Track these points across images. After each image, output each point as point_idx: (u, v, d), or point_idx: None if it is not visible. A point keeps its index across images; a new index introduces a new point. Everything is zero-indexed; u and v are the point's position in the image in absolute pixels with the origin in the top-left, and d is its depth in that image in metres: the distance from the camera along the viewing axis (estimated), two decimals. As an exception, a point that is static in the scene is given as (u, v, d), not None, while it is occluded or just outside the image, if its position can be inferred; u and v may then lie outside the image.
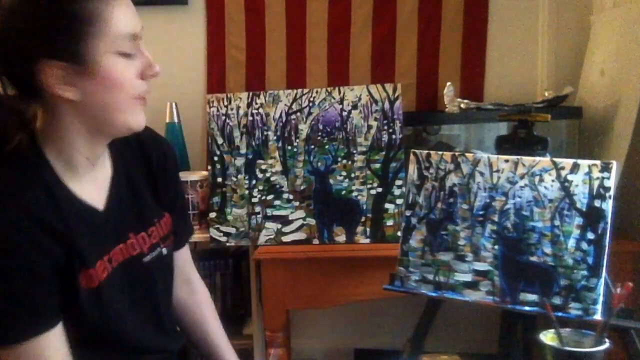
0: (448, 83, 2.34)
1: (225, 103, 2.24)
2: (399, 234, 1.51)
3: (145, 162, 1.19)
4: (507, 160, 1.40)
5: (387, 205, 2.11)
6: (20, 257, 0.96)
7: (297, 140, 2.17)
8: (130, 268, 1.13)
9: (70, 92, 0.98)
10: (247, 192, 2.18)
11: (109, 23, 0.98)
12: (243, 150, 2.20)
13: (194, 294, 1.38)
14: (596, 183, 1.32)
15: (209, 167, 2.28)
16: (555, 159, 1.37)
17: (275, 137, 2.18)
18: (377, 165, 2.12)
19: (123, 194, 1.13)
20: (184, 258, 1.35)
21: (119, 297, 1.11)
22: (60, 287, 1.02)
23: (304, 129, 2.16)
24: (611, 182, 1.31)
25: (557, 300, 1.31)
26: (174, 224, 1.25)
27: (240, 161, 2.20)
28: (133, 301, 1.14)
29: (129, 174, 1.15)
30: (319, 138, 2.15)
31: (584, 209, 1.32)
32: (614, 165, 1.31)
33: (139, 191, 1.17)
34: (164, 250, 1.20)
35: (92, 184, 1.09)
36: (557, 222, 1.34)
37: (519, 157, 1.39)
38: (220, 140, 2.24)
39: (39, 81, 0.97)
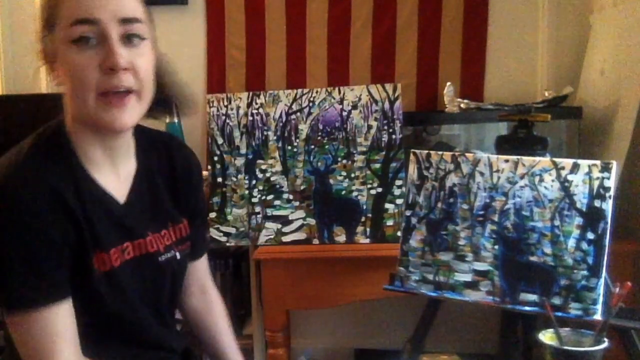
0: (448, 83, 2.34)
1: (225, 103, 2.24)
2: (399, 234, 1.52)
3: (169, 167, 1.21)
4: (507, 160, 1.40)
5: (387, 205, 2.11)
6: (38, 222, 0.98)
7: (297, 140, 2.17)
8: (144, 264, 1.14)
9: (54, 80, 1.03)
10: (247, 192, 2.18)
11: (61, 12, 0.98)
12: (243, 150, 2.20)
13: (210, 304, 1.38)
14: (596, 183, 1.32)
15: (209, 167, 2.28)
16: (555, 159, 1.37)
17: (275, 137, 2.18)
18: (377, 165, 2.12)
19: (144, 192, 1.15)
20: (202, 268, 1.36)
21: (129, 287, 1.11)
22: (72, 264, 1.04)
23: (304, 129, 2.16)
24: (611, 182, 1.31)
25: (557, 300, 1.31)
26: (192, 232, 1.25)
27: (240, 161, 2.20)
28: (141, 294, 1.15)
29: (152, 175, 1.17)
30: (319, 138, 2.15)
31: (584, 209, 1.32)
32: (614, 165, 1.31)
33: (158, 193, 1.18)
34: (178, 255, 1.21)
35: (114, 175, 1.11)
36: (557, 222, 1.34)
37: (519, 157, 1.40)
38: (220, 140, 2.24)
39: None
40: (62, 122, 1.07)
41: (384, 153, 2.12)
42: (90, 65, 0.97)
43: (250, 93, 2.23)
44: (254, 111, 2.20)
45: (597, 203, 1.31)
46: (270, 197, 2.16)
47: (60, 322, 1.00)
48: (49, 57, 1.02)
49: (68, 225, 1.02)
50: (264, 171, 2.17)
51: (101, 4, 0.97)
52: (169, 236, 1.19)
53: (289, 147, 2.17)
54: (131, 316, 1.13)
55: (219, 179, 2.21)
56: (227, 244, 2.22)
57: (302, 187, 2.15)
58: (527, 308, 1.34)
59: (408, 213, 1.49)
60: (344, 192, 2.13)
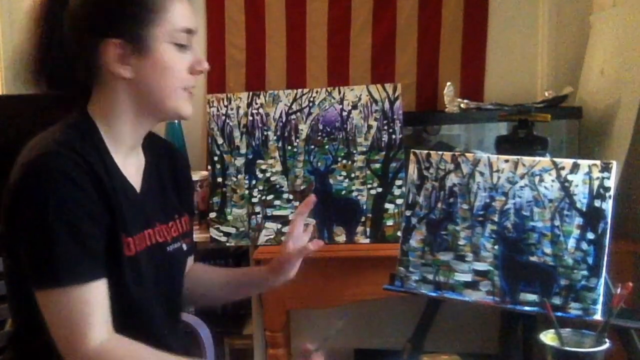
0: (448, 83, 2.34)
1: (225, 103, 2.24)
2: (399, 234, 1.51)
3: (171, 164, 1.29)
4: (507, 160, 1.40)
5: (387, 205, 2.11)
6: (83, 198, 1.02)
7: (297, 140, 2.17)
8: (156, 253, 1.17)
9: (126, 71, 1.08)
10: (247, 192, 2.18)
11: (169, 14, 1.09)
12: (243, 150, 2.20)
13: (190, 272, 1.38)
14: (596, 183, 1.32)
15: (209, 167, 2.28)
16: (555, 159, 1.37)
17: (275, 137, 2.18)
18: (377, 165, 2.12)
19: (153, 184, 1.21)
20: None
21: (146, 274, 1.14)
22: (106, 243, 1.07)
23: (304, 129, 2.16)
24: (611, 182, 1.31)
25: (557, 300, 1.31)
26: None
27: (240, 161, 2.20)
28: (156, 283, 1.17)
29: (159, 169, 1.23)
30: (319, 138, 2.15)
31: (584, 209, 1.32)
32: (614, 165, 1.31)
33: (165, 186, 1.24)
34: (184, 246, 1.26)
35: (132, 165, 1.17)
36: (557, 222, 1.34)
37: (519, 157, 1.39)
38: (220, 140, 2.24)
39: (100, 58, 1.07)
40: (86, 113, 1.12)
41: (384, 153, 2.12)
42: (183, 66, 1.12)
43: (250, 93, 2.23)
44: (254, 111, 2.20)
45: (597, 203, 1.31)
46: (270, 197, 2.16)
47: (97, 299, 1.02)
48: (138, 48, 1.08)
49: (104, 204, 1.06)
50: (264, 171, 2.17)
51: (194, 18, 1.15)
52: (175, 228, 1.24)
53: (289, 147, 2.17)
54: (147, 306, 1.15)
55: (219, 179, 2.21)
56: (227, 244, 2.22)
57: (302, 187, 2.15)
58: (527, 308, 1.34)
59: (408, 213, 1.49)
60: (344, 192, 2.13)
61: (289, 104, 2.17)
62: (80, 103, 1.13)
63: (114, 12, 1.07)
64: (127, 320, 1.09)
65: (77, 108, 1.13)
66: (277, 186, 2.16)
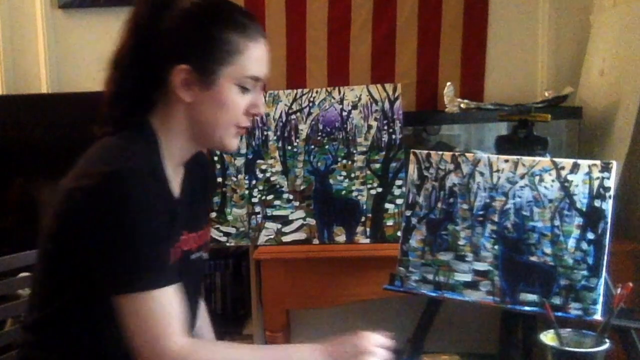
0: (448, 83, 2.33)
1: (225, 103, 2.23)
2: (399, 234, 1.52)
3: (203, 179, 1.33)
4: (507, 160, 1.40)
5: (387, 205, 2.11)
6: (157, 206, 1.07)
7: (297, 140, 2.16)
8: (183, 261, 1.20)
9: (187, 95, 1.13)
10: (247, 192, 2.18)
11: (243, 59, 1.15)
12: (243, 150, 2.19)
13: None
14: (596, 183, 1.32)
15: (209, 167, 2.28)
16: (555, 159, 1.37)
17: (275, 137, 2.18)
18: (377, 165, 2.12)
19: (187, 194, 1.24)
20: None
21: (183, 282, 1.15)
22: None
23: (304, 129, 2.16)
24: (611, 182, 1.31)
25: (557, 300, 1.31)
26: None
27: (240, 161, 2.20)
28: (187, 290, 1.18)
29: (192, 181, 1.26)
30: (319, 138, 2.15)
31: (584, 209, 1.32)
32: (614, 165, 1.31)
33: (196, 197, 1.27)
34: (204, 255, 1.29)
35: (177, 175, 1.22)
36: (557, 222, 1.34)
37: (519, 157, 1.40)
38: (220, 140, 2.24)
39: (170, 78, 1.12)
40: (149, 123, 1.16)
41: (384, 153, 2.12)
42: (240, 106, 1.16)
43: (250, 93, 2.23)
44: (254, 111, 2.20)
45: (597, 203, 1.31)
46: (270, 197, 2.16)
47: (175, 303, 1.05)
48: (203, 79, 1.13)
49: (167, 210, 1.11)
50: (264, 171, 2.17)
51: (267, 68, 1.21)
52: (200, 237, 1.27)
53: (289, 147, 2.17)
54: (188, 311, 1.19)
55: (219, 179, 2.21)
56: (227, 244, 2.22)
57: (302, 187, 2.14)
58: (527, 308, 1.34)
59: (408, 213, 1.49)
60: (344, 192, 2.13)
61: (289, 104, 2.17)
62: (141, 111, 1.17)
63: (195, 43, 1.13)
64: None
65: (138, 115, 1.17)
66: (277, 186, 2.16)
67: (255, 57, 1.17)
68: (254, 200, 2.17)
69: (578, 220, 1.32)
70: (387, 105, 2.13)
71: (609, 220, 1.30)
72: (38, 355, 1.15)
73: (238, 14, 1.17)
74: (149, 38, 1.14)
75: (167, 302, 1.04)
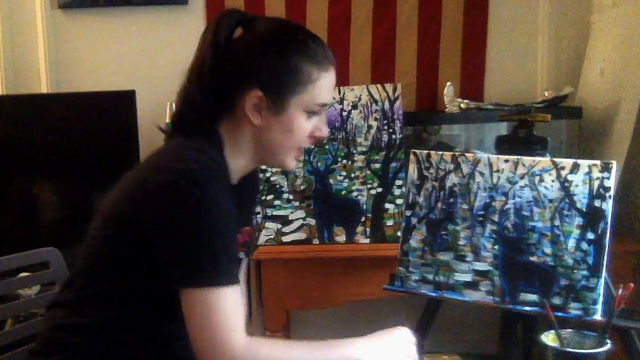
0: (448, 83, 2.34)
1: (225, 103, 2.23)
2: (399, 234, 1.52)
3: (252, 185, 1.38)
4: (507, 160, 1.40)
5: (387, 205, 2.11)
6: (229, 207, 1.11)
7: (297, 140, 2.16)
8: None
9: (256, 118, 1.17)
10: (247, 192, 2.18)
11: (314, 88, 1.18)
12: (243, 150, 2.20)
13: None
14: (596, 183, 1.32)
15: (209, 167, 2.27)
16: (555, 159, 1.37)
17: (275, 137, 2.17)
18: (377, 165, 2.12)
19: (234, 198, 1.25)
20: None
21: None
22: None
23: (304, 129, 2.16)
24: (611, 182, 1.31)
25: (557, 300, 1.31)
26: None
27: (240, 161, 2.20)
28: None
29: (241, 186, 1.29)
30: (319, 138, 2.15)
31: (584, 209, 1.32)
32: (614, 165, 1.31)
33: (244, 199, 1.30)
34: (241, 254, 1.31)
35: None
36: (557, 222, 1.34)
37: (519, 157, 1.40)
38: (220, 140, 2.23)
39: (240, 99, 1.17)
40: (218, 132, 1.19)
41: (384, 153, 2.12)
42: (306, 130, 1.20)
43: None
44: (254, 111, 2.19)
45: (597, 203, 1.31)
46: (270, 197, 2.16)
47: (239, 301, 1.08)
48: (274, 106, 1.16)
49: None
50: (264, 171, 2.17)
51: (333, 92, 1.24)
52: (241, 237, 1.30)
53: (289, 147, 2.16)
54: None
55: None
56: (227, 244, 2.22)
57: (302, 187, 2.14)
58: (527, 308, 1.34)
59: (408, 213, 1.49)
60: (344, 192, 2.13)
61: (289, 104, 2.17)
62: (210, 122, 1.20)
63: (270, 72, 1.16)
64: None
65: (207, 125, 1.20)
66: (277, 186, 2.16)
67: (326, 86, 1.21)
68: (254, 200, 2.17)
69: (578, 220, 1.32)
70: (387, 105, 2.13)
71: (609, 220, 1.30)
72: (67, 338, 1.16)
73: (312, 42, 1.19)
74: (226, 58, 1.18)
75: (234, 300, 1.07)
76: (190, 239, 1.06)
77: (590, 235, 1.31)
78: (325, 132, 1.24)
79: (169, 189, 1.08)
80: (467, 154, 1.45)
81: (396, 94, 2.13)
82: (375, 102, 2.13)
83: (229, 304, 1.06)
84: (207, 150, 1.14)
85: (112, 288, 1.14)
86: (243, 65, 1.17)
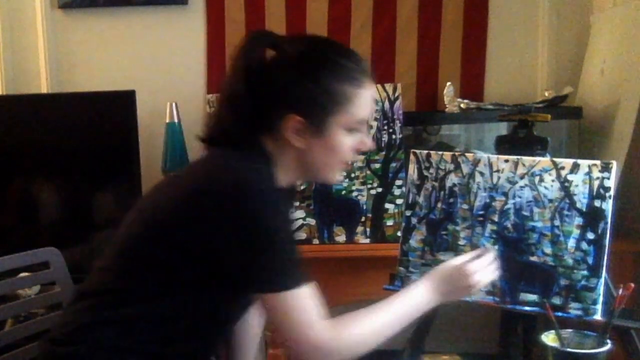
0: (448, 83, 2.33)
1: (225, 103, 2.23)
2: (399, 234, 1.52)
3: (290, 196, 1.41)
4: (507, 160, 1.40)
5: (387, 205, 2.11)
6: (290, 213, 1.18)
7: (297, 140, 2.16)
8: None
9: (298, 142, 1.19)
10: (247, 192, 2.18)
11: (353, 106, 1.19)
12: (243, 150, 2.19)
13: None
14: (596, 183, 1.32)
15: (209, 167, 2.27)
16: (555, 159, 1.37)
17: (275, 137, 2.17)
18: (377, 165, 2.12)
19: None
20: None
21: None
22: None
23: (304, 129, 2.16)
24: (611, 182, 1.31)
25: (557, 300, 1.31)
26: None
27: (240, 161, 2.19)
28: None
29: None
30: (319, 138, 2.15)
31: (584, 209, 1.32)
32: (614, 165, 1.31)
33: None
34: None
35: None
36: (557, 222, 1.34)
37: (519, 157, 1.40)
38: (220, 140, 2.23)
39: (280, 124, 1.18)
40: (264, 149, 1.21)
41: (384, 153, 2.12)
42: (349, 146, 1.22)
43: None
44: (254, 111, 2.19)
45: (597, 203, 1.31)
46: (270, 197, 2.16)
47: (314, 294, 1.15)
48: (314, 129, 1.18)
49: None
50: (264, 171, 2.17)
51: (373, 107, 1.27)
52: None
53: (289, 147, 2.16)
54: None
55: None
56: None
57: (302, 187, 2.14)
58: (527, 308, 1.34)
59: (408, 213, 1.49)
60: (344, 192, 2.13)
61: (289, 104, 2.17)
62: (253, 140, 1.22)
63: (307, 96, 1.17)
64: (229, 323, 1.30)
65: (250, 140, 1.21)
66: (277, 186, 2.16)
67: (365, 102, 1.21)
68: (254, 200, 2.17)
69: (578, 220, 1.32)
70: (387, 105, 2.13)
71: (609, 220, 1.30)
72: (95, 328, 1.17)
73: (344, 60, 1.20)
74: (259, 83, 1.18)
75: (311, 295, 1.14)
76: (264, 247, 1.10)
77: (590, 235, 1.31)
78: (368, 144, 1.26)
79: (234, 200, 1.10)
80: (467, 154, 1.45)
81: (396, 94, 2.13)
82: (375, 102, 2.13)
83: (307, 301, 1.13)
84: (259, 163, 1.17)
85: (145, 286, 1.16)
86: (278, 91, 1.18)
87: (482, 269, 1.26)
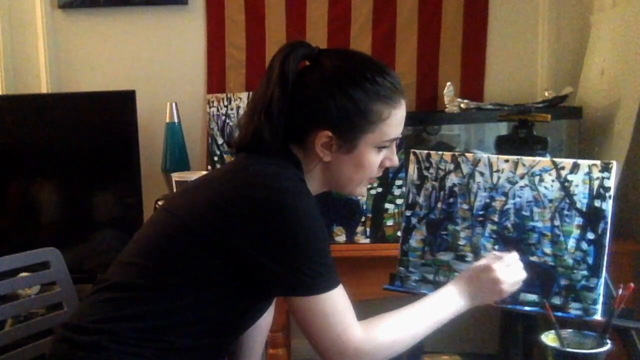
0: (448, 83, 2.33)
1: (225, 103, 2.23)
2: (399, 234, 1.52)
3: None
4: (507, 160, 1.40)
5: (387, 205, 2.11)
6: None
7: (297, 140, 2.16)
8: None
9: (326, 156, 1.20)
10: (247, 192, 2.17)
11: (384, 125, 1.19)
12: (243, 150, 2.19)
13: None
14: (596, 183, 1.32)
15: (209, 167, 2.28)
16: (555, 159, 1.37)
17: (275, 137, 2.17)
18: (377, 165, 2.12)
19: None
20: None
21: None
22: None
23: (304, 129, 2.16)
24: (611, 182, 1.31)
25: (557, 300, 1.31)
26: None
27: (240, 161, 2.19)
28: None
29: None
30: (319, 138, 2.15)
31: (584, 209, 1.32)
32: (614, 165, 1.31)
33: None
34: None
35: None
36: (557, 222, 1.34)
37: (519, 157, 1.39)
38: (220, 140, 2.24)
39: (310, 137, 1.19)
40: (295, 156, 1.22)
41: (384, 153, 2.12)
42: (377, 162, 1.23)
43: (250, 93, 2.23)
44: (254, 111, 2.19)
45: (597, 203, 1.31)
46: (270, 197, 2.16)
47: (346, 297, 1.16)
48: (344, 145, 1.19)
49: None
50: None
51: (403, 125, 1.24)
52: None
53: (289, 147, 2.16)
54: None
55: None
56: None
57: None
58: (527, 308, 1.34)
59: (408, 213, 1.49)
60: (344, 192, 2.13)
61: (289, 104, 2.17)
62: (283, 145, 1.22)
63: (339, 114, 1.17)
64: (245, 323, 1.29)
65: (281, 147, 1.22)
66: (277, 186, 2.16)
67: (397, 121, 1.21)
68: (254, 200, 2.17)
69: (578, 220, 1.32)
70: (387, 105, 2.12)
71: (609, 220, 1.30)
72: (117, 323, 1.16)
73: (380, 78, 1.19)
74: (295, 96, 1.19)
75: (343, 297, 1.15)
76: (299, 251, 1.11)
77: (590, 235, 1.31)
78: (395, 161, 1.25)
79: (270, 206, 1.11)
80: (467, 154, 1.45)
81: (396, 94, 2.12)
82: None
83: (340, 304, 1.14)
84: (291, 169, 1.19)
85: (171, 284, 1.15)
86: (312, 106, 1.18)
87: (508, 268, 1.25)
